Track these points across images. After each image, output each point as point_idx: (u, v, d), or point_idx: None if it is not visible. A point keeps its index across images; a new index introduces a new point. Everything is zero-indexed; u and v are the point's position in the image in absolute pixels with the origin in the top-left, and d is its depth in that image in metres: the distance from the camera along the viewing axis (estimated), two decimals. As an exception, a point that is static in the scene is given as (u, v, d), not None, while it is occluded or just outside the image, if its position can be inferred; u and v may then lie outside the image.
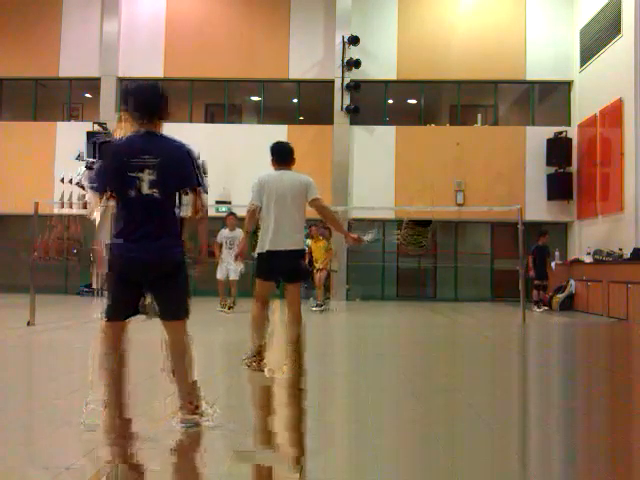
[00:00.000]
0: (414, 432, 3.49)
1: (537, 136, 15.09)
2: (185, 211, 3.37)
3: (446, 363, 6.17)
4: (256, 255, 5.00)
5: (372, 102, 15.74)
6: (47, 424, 3.42)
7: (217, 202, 13.94)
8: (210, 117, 16.99)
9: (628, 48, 12.35)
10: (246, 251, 5.33)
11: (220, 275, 10.54)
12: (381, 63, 15.51)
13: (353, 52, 15.14)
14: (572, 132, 15.06)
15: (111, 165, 3.27)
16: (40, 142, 15.66)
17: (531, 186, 15.05)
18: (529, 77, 15.41)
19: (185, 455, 3.02)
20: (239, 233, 9.95)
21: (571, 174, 14.98)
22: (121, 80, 15.79)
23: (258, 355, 4.90)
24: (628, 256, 11.45)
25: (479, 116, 16.13)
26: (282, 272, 4.96)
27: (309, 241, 11.96)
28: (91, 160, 12.75)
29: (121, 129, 14.29)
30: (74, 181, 15.18)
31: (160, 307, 3.30)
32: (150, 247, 3.21)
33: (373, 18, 15.59)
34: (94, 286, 15.04)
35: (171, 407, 3.31)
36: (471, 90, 16.08)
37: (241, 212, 7.92)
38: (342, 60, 15.12)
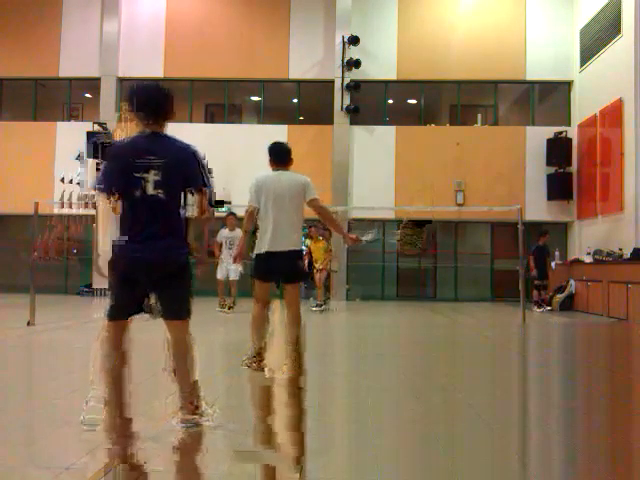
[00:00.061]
0: (414, 432, 3.49)
1: (537, 136, 15.09)
2: (190, 211, 3.38)
3: (446, 363, 6.17)
4: (254, 256, 5.00)
5: (372, 102, 15.74)
6: (47, 424, 3.42)
7: (217, 202, 13.94)
8: (210, 117, 16.99)
9: (628, 48, 12.35)
10: (245, 252, 5.33)
11: (220, 275, 10.54)
12: (381, 63, 15.51)
13: (353, 52, 15.14)
14: (572, 132, 15.07)
15: (117, 166, 3.27)
16: (40, 142, 15.66)
17: (531, 186, 15.05)
18: (529, 77, 15.42)
19: (185, 455, 3.02)
20: (239, 233, 9.94)
21: (571, 174, 14.99)
22: (121, 80, 15.80)
23: (258, 355, 4.90)
24: (628, 256, 11.45)
25: (479, 116, 16.13)
26: (281, 273, 4.96)
27: (308, 241, 11.96)
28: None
29: (121, 129, 14.36)
30: (74, 181, 15.21)
31: (163, 306, 3.31)
32: (155, 247, 3.22)
33: (373, 18, 15.60)
34: (94, 286, 15.08)
35: (171, 407, 3.31)
36: (471, 90, 16.08)
37: (241, 212, 7.92)
38: (342, 60, 15.12)
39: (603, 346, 8.26)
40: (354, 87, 15.05)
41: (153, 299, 3.34)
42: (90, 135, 15.02)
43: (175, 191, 3.29)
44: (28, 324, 8.06)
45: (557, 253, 13.85)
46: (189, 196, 3.37)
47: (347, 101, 15.20)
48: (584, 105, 14.71)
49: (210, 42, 15.73)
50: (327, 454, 3.03)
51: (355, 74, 15.18)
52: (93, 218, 14.86)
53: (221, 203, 13.36)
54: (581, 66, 14.83)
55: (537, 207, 14.79)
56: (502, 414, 3.95)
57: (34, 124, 16.02)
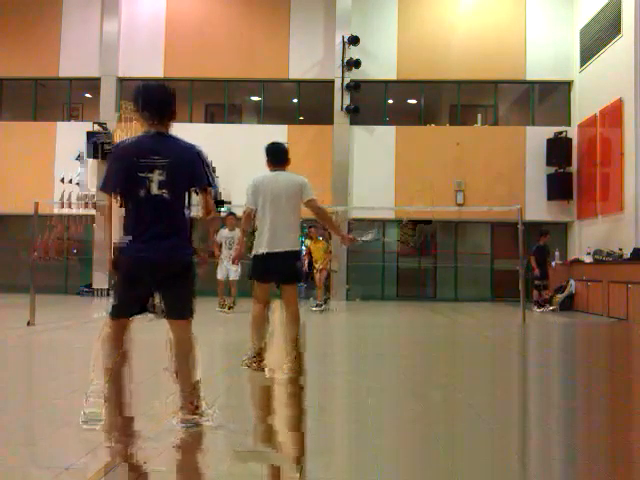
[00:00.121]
0: (414, 432, 3.49)
1: (537, 136, 15.09)
2: (195, 211, 3.38)
3: (446, 363, 6.17)
4: (252, 256, 5.00)
5: (372, 102, 15.75)
6: (47, 424, 3.42)
7: (217, 202, 13.94)
8: (210, 117, 16.99)
9: (628, 48, 12.35)
10: (243, 253, 5.35)
11: (220, 275, 10.55)
12: (381, 63, 15.51)
13: (353, 52, 15.14)
14: (572, 132, 15.07)
15: (121, 165, 3.27)
16: (40, 142, 15.66)
17: (531, 186, 15.05)
18: (529, 77, 15.42)
19: (185, 455, 3.01)
20: (238, 233, 9.94)
21: (571, 174, 14.99)
22: (121, 80, 15.80)
23: (258, 356, 4.91)
24: (628, 256, 11.45)
25: (479, 116, 16.13)
26: (279, 273, 4.96)
27: (308, 242, 11.97)
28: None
29: (121, 129, 14.36)
30: (74, 181, 15.23)
31: (167, 306, 3.32)
32: (159, 247, 3.23)
33: (373, 18, 15.60)
34: (94, 286, 15.08)
35: (172, 407, 3.31)
36: (471, 90, 16.08)
37: (241, 212, 7.91)
38: (342, 60, 15.12)
39: (603, 346, 8.26)
40: (354, 87, 15.05)
41: (157, 299, 3.36)
42: (90, 135, 15.04)
43: (179, 191, 3.30)
44: (28, 324, 8.06)
45: (557, 253, 13.86)
46: (193, 196, 3.38)
47: (347, 101, 15.21)
48: (584, 105, 14.71)
49: (210, 42, 15.73)
50: (327, 454, 3.03)
51: (355, 74, 15.18)
52: (93, 218, 14.90)
53: (221, 203, 13.37)
54: (581, 66, 14.83)
55: (537, 207, 14.79)
56: (502, 414, 3.96)
57: (34, 124, 16.02)
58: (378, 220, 15.41)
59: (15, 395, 4.25)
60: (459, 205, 14.84)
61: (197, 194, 3.36)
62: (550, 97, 16.24)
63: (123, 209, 3.30)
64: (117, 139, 14.43)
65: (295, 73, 15.70)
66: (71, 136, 15.38)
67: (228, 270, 10.43)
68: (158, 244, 3.22)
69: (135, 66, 15.63)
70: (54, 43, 15.98)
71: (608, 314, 11.39)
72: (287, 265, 4.94)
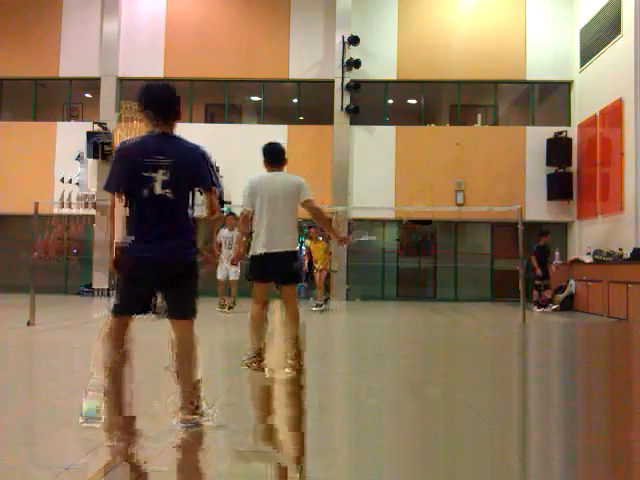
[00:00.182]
0: (414, 432, 3.49)
1: (537, 136, 15.10)
2: (198, 211, 3.39)
3: (446, 363, 6.17)
4: (249, 257, 5.01)
5: (372, 102, 15.75)
6: (47, 424, 3.42)
7: (220, 202, 13.93)
8: (210, 117, 16.99)
9: (628, 48, 12.35)
10: (242, 254, 5.36)
11: (220, 275, 10.56)
12: (381, 63, 15.51)
13: (353, 52, 15.14)
14: (572, 132, 15.07)
15: (125, 165, 3.27)
16: (40, 142, 15.67)
17: (531, 186, 15.05)
18: (529, 77, 15.42)
19: (185, 455, 3.01)
20: (238, 233, 9.94)
21: (571, 174, 14.99)
22: (121, 80, 15.80)
23: (258, 356, 4.91)
24: (628, 256, 11.45)
25: (479, 116, 16.13)
26: (277, 273, 4.96)
27: (308, 242, 11.97)
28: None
29: (121, 129, 14.36)
30: (74, 181, 15.23)
31: (169, 306, 3.33)
32: (163, 247, 3.23)
33: (373, 18, 15.60)
34: (94, 286, 15.08)
35: (172, 406, 3.31)
36: (471, 90, 16.08)
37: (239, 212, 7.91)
38: (342, 60, 15.12)
39: (603, 346, 8.26)
40: (354, 87, 15.05)
41: (160, 299, 3.36)
42: (90, 135, 15.04)
43: (183, 191, 3.31)
44: (28, 324, 8.06)
45: (557, 253, 13.86)
46: (197, 196, 3.38)
47: (347, 101, 15.21)
48: (584, 105, 14.71)
49: (210, 42, 15.74)
50: (327, 454, 3.03)
51: (355, 74, 15.18)
52: (93, 218, 14.90)
53: (221, 203, 13.38)
54: (581, 66, 14.83)
55: (537, 207, 14.80)
56: (502, 414, 3.96)
57: (34, 124, 16.02)
58: (378, 220, 15.43)
59: (15, 395, 4.26)
60: (459, 205, 14.84)
61: (201, 194, 3.37)
62: (550, 97, 16.24)
63: (126, 209, 3.30)
64: (117, 139, 14.45)
65: (295, 73, 15.70)
66: (71, 136, 15.39)
67: (228, 270, 10.43)
68: (161, 244, 3.23)
69: (135, 66, 15.63)
70: (54, 43, 15.99)
71: (608, 314, 11.39)
72: (285, 266, 4.94)
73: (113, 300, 3.33)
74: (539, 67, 15.30)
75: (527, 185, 15.09)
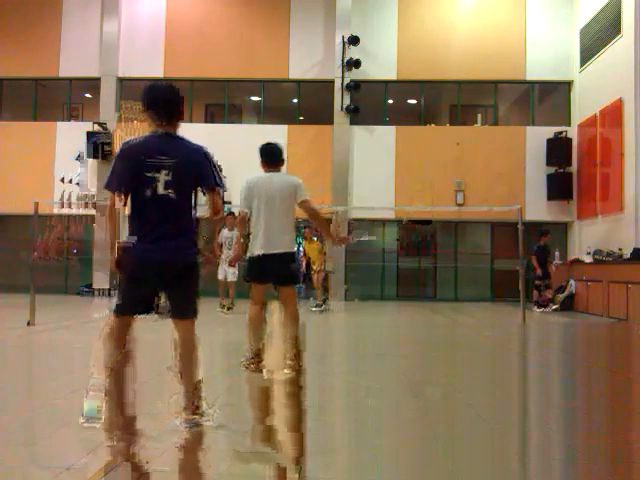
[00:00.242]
0: (414, 432, 3.49)
1: (537, 136, 15.10)
2: (201, 212, 3.39)
3: (446, 363, 6.17)
4: (247, 258, 5.01)
5: (372, 102, 15.75)
6: (47, 424, 3.42)
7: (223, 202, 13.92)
8: (210, 117, 16.99)
9: (628, 48, 12.35)
10: (240, 256, 5.36)
11: (221, 276, 10.57)
12: (381, 63, 15.51)
13: (353, 52, 15.14)
14: (572, 132, 15.07)
15: (128, 165, 3.27)
16: (40, 142, 15.67)
17: (531, 186, 15.05)
18: (529, 77, 15.42)
19: (186, 455, 3.02)
20: (237, 233, 9.94)
21: (571, 174, 14.99)
22: (121, 80, 15.80)
23: (257, 357, 4.90)
24: (628, 256, 11.45)
25: (479, 116, 16.13)
26: (275, 274, 4.96)
27: (304, 242, 11.96)
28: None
29: (121, 129, 14.36)
30: (74, 181, 15.24)
31: (172, 306, 3.34)
32: (165, 247, 3.24)
33: (373, 18, 15.60)
34: (94, 286, 15.08)
35: (175, 406, 3.31)
36: (471, 90, 16.08)
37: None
38: (342, 60, 15.12)
39: (603, 346, 8.26)
40: (354, 87, 15.05)
41: (162, 299, 3.37)
42: (90, 135, 15.04)
43: (186, 191, 3.31)
44: (28, 324, 8.06)
45: (557, 253, 13.86)
46: (200, 196, 3.38)
47: (347, 101, 15.21)
48: (584, 105, 14.71)
49: (210, 42, 15.74)
50: (327, 454, 3.03)
51: (355, 74, 15.18)
52: (93, 218, 14.90)
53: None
54: (581, 66, 14.83)
55: (537, 207, 14.80)
56: (502, 414, 3.96)
57: (34, 124, 16.02)
58: (378, 220, 15.43)
59: (15, 395, 4.26)
60: (459, 205, 14.84)
61: (204, 194, 3.37)
62: (550, 97, 16.24)
63: (125, 208, 3.30)
64: (117, 139, 14.46)
65: (295, 73, 15.70)
66: (71, 136, 15.39)
67: (226, 271, 10.44)
68: (164, 244, 3.23)
69: (135, 66, 15.63)
70: (54, 43, 15.99)
71: (608, 314, 11.39)
72: (283, 267, 4.94)
73: (115, 300, 3.33)
74: (539, 67, 15.30)
75: (527, 185, 15.10)
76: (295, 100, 16.30)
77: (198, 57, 15.65)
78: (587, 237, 14.27)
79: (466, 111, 16.27)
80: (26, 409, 3.85)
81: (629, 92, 12.26)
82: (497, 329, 9.79)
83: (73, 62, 15.87)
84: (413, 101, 16.37)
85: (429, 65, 15.38)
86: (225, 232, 10.58)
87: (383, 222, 15.60)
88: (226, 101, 16.29)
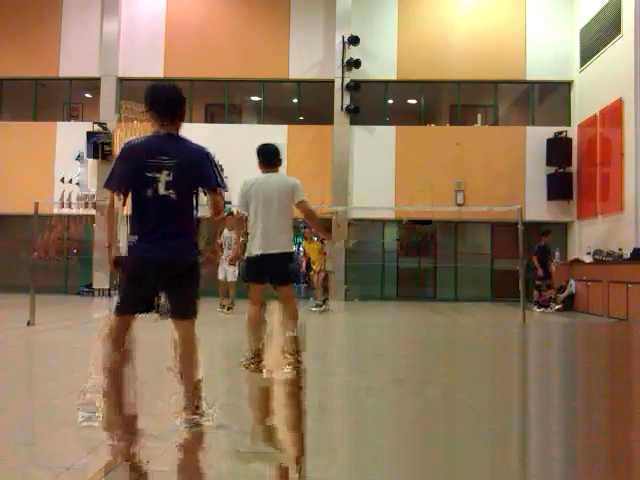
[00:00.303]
0: (414, 432, 3.49)
1: (537, 136, 15.10)
2: (203, 211, 3.39)
3: (446, 363, 6.17)
4: (245, 258, 5.02)
5: (372, 102, 15.74)
6: (47, 424, 3.42)
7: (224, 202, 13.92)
8: (210, 117, 16.99)
9: (628, 48, 12.35)
10: (240, 255, 5.38)
11: (222, 276, 10.56)
12: (381, 63, 15.51)
13: (353, 52, 15.14)
14: (572, 132, 15.07)
15: (129, 165, 3.27)
16: (40, 142, 15.66)
17: (531, 186, 15.05)
18: (529, 77, 15.42)
19: (186, 454, 3.02)
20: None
21: (571, 174, 14.99)
22: (121, 80, 15.80)
23: (256, 357, 4.91)
24: (628, 256, 11.45)
25: (479, 116, 16.13)
26: (272, 274, 4.97)
27: (304, 243, 11.97)
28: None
29: (121, 129, 14.36)
30: (74, 181, 15.24)
31: (172, 306, 3.34)
32: (165, 247, 3.24)
33: (373, 18, 15.60)
34: (94, 286, 15.07)
35: (175, 406, 3.31)
36: (471, 90, 16.08)
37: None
38: (342, 60, 15.12)
39: (603, 346, 8.26)
40: (354, 87, 15.05)
41: (162, 299, 3.37)
42: (90, 135, 15.04)
43: (187, 192, 3.31)
44: (28, 324, 8.06)
45: (557, 253, 13.86)
46: (201, 196, 3.39)
47: (347, 101, 15.20)
48: (584, 105, 14.71)
49: (210, 42, 15.74)
50: (327, 454, 3.03)
51: (355, 74, 15.18)
52: (93, 218, 14.90)
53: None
54: (581, 66, 14.83)
55: (537, 207, 14.80)
56: (502, 414, 3.95)
57: (34, 124, 16.02)
58: (378, 220, 15.43)
59: (15, 395, 4.26)
60: (459, 205, 14.84)
61: (205, 195, 3.37)
62: (550, 97, 16.24)
63: (124, 208, 3.30)
64: (117, 139, 14.45)
65: (295, 73, 15.70)
66: (71, 136, 15.39)
67: (226, 271, 10.44)
68: (165, 244, 3.23)
69: (135, 66, 15.63)
70: (54, 43, 15.98)
71: (608, 314, 11.39)
72: (281, 267, 4.96)
73: (115, 300, 3.33)
74: (539, 67, 15.30)
75: (527, 185, 15.09)
76: (295, 100, 16.30)
77: (198, 57, 15.65)
78: (587, 237, 14.27)
79: (466, 111, 16.27)
80: (26, 409, 3.84)
81: (629, 92, 12.26)
82: (497, 329, 9.79)
83: (73, 62, 15.87)
84: (413, 101, 16.37)
85: (429, 65, 15.38)
86: (225, 232, 10.57)
87: (383, 222, 15.60)
88: (226, 101, 16.29)
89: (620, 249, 12.04)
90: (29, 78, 16.12)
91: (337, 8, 15.35)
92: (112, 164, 3.34)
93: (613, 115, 13.05)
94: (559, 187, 14.89)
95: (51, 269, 15.08)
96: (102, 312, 10.58)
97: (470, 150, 15.12)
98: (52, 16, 16.00)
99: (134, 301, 3.30)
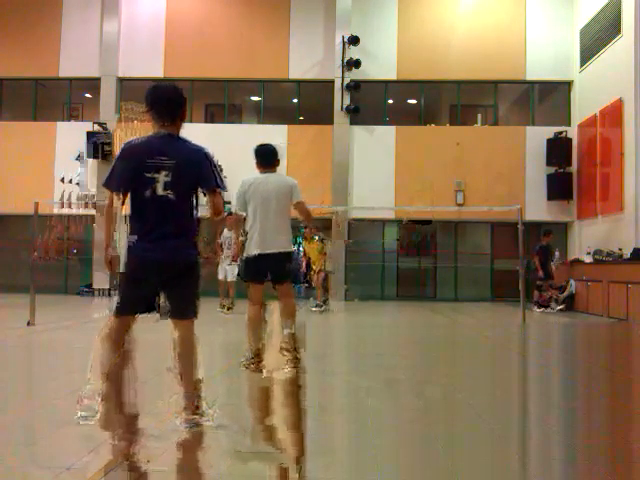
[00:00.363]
0: (414, 432, 3.49)
1: (537, 136, 15.10)
2: (202, 212, 3.39)
3: (446, 363, 6.17)
4: (243, 258, 5.02)
5: (372, 102, 15.74)
6: (47, 424, 3.42)
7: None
8: (210, 117, 16.99)
9: (628, 48, 12.35)
10: (240, 253, 5.40)
11: (222, 276, 10.57)
12: (381, 63, 15.51)
13: (353, 52, 15.14)
14: (572, 132, 15.07)
15: (128, 165, 3.27)
16: (40, 142, 15.67)
17: (531, 186, 15.05)
18: (529, 77, 15.42)
19: (186, 454, 3.02)
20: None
21: (571, 174, 14.99)
22: (121, 80, 15.80)
23: (256, 357, 4.91)
24: (628, 256, 11.45)
25: (479, 116, 16.14)
26: (271, 273, 4.99)
27: (304, 243, 11.96)
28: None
29: (121, 129, 14.36)
30: (74, 181, 15.24)
31: (172, 305, 3.34)
32: (165, 247, 3.24)
33: (373, 18, 15.60)
34: (94, 286, 15.07)
35: (175, 406, 3.31)
36: (471, 90, 16.08)
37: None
38: (342, 60, 15.12)
39: (603, 346, 8.26)
40: (354, 87, 15.05)
41: (162, 299, 3.37)
42: (90, 135, 15.04)
43: (185, 192, 3.30)
44: (28, 324, 8.06)
45: (557, 253, 13.86)
46: (201, 197, 3.39)
47: (347, 101, 15.21)
48: (584, 105, 14.71)
49: (210, 42, 15.74)
50: (327, 454, 3.03)
51: (355, 74, 15.18)
52: (93, 218, 14.90)
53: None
54: (581, 66, 14.83)
55: (537, 207, 14.80)
56: (502, 414, 3.95)
57: (34, 124, 16.02)
58: (378, 220, 15.43)
59: (15, 395, 4.26)
60: (459, 205, 14.84)
61: (205, 195, 3.37)
62: (550, 97, 16.24)
63: (123, 207, 3.30)
64: (117, 139, 14.45)
65: (295, 73, 15.70)
66: (71, 136, 15.39)
67: (226, 271, 10.44)
68: (164, 244, 3.24)
69: (135, 66, 15.63)
70: (54, 43, 15.99)
71: (608, 314, 11.39)
72: (279, 266, 4.97)
73: (115, 301, 3.33)
74: (539, 67, 15.30)
75: (527, 185, 15.10)
76: (295, 100, 16.30)
77: (198, 57, 15.65)
78: (587, 237, 14.27)
79: (466, 111, 16.27)
80: (26, 409, 3.84)
81: (629, 92, 12.26)
82: (497, 329, 9.79)
83: (73, 62, 15.87)
84: (413, 101, 16.37)
85: (429, 65, 15.38)
86: (225, 232, 10.57)
87: (383, 222, 15.60)
88: (226, 101, 16.29)
89: (620, 249, 12.04)
90: (29, 78, 16.12)
91: (337, 8, 15.35)
92: (112, 164, 3.34)
93: (613, 115, 13.06)
94: (559, 187, 14.89)
95: (51, 269, 15.08)
96: (102, 312, 10.57)
97: (470, 150, 15.12)
98: (52, 16, 16.00)
99: (134, 302, 3.30)
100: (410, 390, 4.60)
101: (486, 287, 15.59)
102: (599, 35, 13.85)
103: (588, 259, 12.99)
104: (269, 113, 16.31)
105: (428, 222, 15.02)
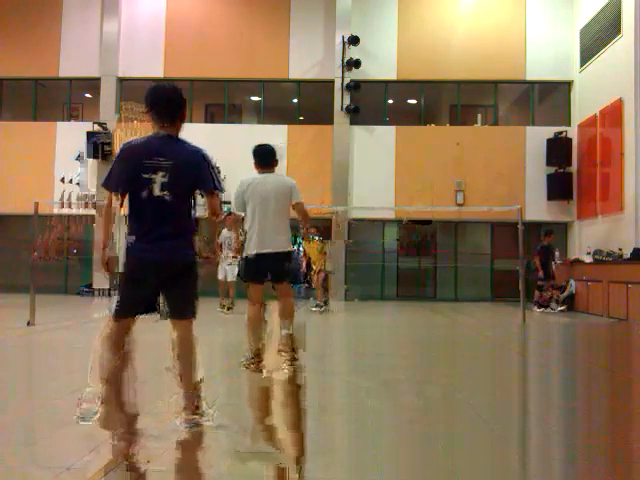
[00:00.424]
0: (414, 432, 3.49)
1: (537, 136, 15.09)
2: (200, 212, 3.39)
3: (446, 363, 6.17)
4: (243, 258, 5.02)
5: (372, 102, 15.74)
6: (47, 424, 3.42)
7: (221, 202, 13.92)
8: (210, 117, 16.99)
9: (628, 48, 12.35)
10: (240, 252, 5.41)
11: (221, 276, 10.57)
12: (381, 63, 15.51)
13: (353, 52, 15.14)
14: (572, 132, 15.06)
15: (127, 165, 3.27)
16: (40, 142, 15.66)
17: (531, 186, 15.05)
18: (529, 77, 15.42)
19: (186, 454, 3.02)
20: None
21: (571, 174, 14.99)
22: (121, 80, 15.80)
23: (256, 357, 4.91)
24: (628, 256, 11.45)
25: (479, 116, 16.13)
26: (270, 272, 4.99)
27: (304, 242, 11.96)
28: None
29: (121, 129, 14.35)
30: (74, 181, 15.24)
31: (170, 306, 3.34)
32: (162, 247, 3.24)
33: (373, 18, 15.60)
34: (94, 286, 15.08)
35: (175, 407, 3.31)
36: (471, 90, 16.08)
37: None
38: (342, 60, 15.12)
39: (603, 346, 8.26)
40: (354, 87, 15.05)
41: (161, 299, 3.37)
42: (90, 135, 15.04)
43: (182, 193, 3.30)
44: (28, 324, 8.06)
45: (557, 253, 13.86)
46: (199, 198, 3.39)
47: (347, 101, 15.20)
48: (584, 105, 14.71)
49: (210, 42, 15.73)
50: (327, 454, 3.03)
51: (355, 74, 15.18)
52: (93, 218, 14.90)
53: (220, 204, 13.35)
54: (581, 66, 14.83)
55: (537, 207, 14.79)
56: (502, 414, 3.96)
57: (34, 124, 16.02)
58: (378, 220, 15.43)
59: (15, 395, 4.26)
60: (459, 205, 14.84)
61: (202, 197, 3.37)
62: (550, 97, 16.24)
63: (125, 208, 3.30)
64: (117, 139, 14.45)
65: (295, 73, 15.70)
66: (71, 136, 15.39)
67: (226, 271, 10.45)
68: (162, 244, 3.24)
69: (135, 66, 15.63)
70: (54, 43, 15.99)
71: (608, 314, 11.39)
72: (278, 266, 4.98)
73: (115, 303, 3.32)
74: (539, 67, 15.30)
75: (527, 185, 15.09)
76: (295, 100, 16.30)
77: (198, 57, 15.65)
78: (587, 237, 14.27)
79: (466, 111, 16.27)
80: (26, 409, 3.85)
81: (629, 92, 12.26)
82: (497, 329, 9.79)
83: (73, 62, 15.87)
84: (413, 101, 16.36)
85: (429, 65, 15.38)
86: (224, 232, 10.58)
87: (383, 222, 15.60)
88: (226, 101, 16.29)
89: (620, 249, 12.04)
90: (29, 78, 16.12)
91: (337, 8, 15.35)
92: (111, 164, 3.34)
93: (613, 115, 13.06)
94: (559, 187, 14.89)
95: (51, 269, 15.08)
96: (102, 312, 10.57)
97: (470, 150, 15.12)
98: (52, 16, 16.00)
99: (133, 303, 3.29)
100: (410, 390, 4.60)
101: (486, 287, 15.58)
102: (599, 35, 13.85)
103: (588, 259, 12.99)
104: (269, 113, 16.30)
105: (428, 222, 15.01)
